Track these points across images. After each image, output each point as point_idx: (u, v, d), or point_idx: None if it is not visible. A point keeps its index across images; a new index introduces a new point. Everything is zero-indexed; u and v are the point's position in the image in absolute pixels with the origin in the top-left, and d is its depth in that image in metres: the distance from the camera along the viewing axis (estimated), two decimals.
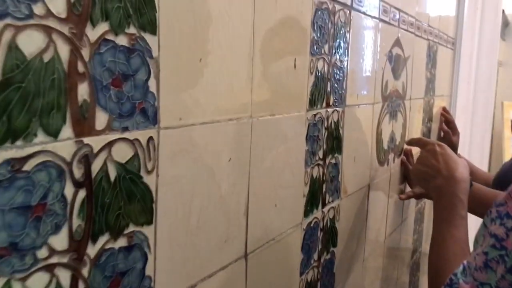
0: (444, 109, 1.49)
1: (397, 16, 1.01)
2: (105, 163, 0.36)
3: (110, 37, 0.36)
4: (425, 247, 1.57)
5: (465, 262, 0.54)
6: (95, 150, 0.35)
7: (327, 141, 0.76)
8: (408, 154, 1.18)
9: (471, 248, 0.57)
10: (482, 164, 3.10)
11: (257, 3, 0.53)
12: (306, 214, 0.71)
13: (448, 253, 0.66)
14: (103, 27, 0.35)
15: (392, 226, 1.16)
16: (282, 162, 0.62)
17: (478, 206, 0.81)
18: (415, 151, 1.16)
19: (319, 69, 0.70)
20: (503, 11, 2.94)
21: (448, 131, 1.38)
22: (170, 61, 0.41)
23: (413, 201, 1.36)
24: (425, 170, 0.81)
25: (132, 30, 0.37)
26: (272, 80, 0.58)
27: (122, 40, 0.37)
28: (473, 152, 2.90)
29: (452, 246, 0.66)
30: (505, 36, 3.58)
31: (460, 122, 2.78)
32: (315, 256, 0.76)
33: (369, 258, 1.02)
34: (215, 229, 0.50)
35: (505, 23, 3.52)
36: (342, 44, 0.76)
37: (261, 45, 0.55)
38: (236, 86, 0.51)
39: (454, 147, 1.33)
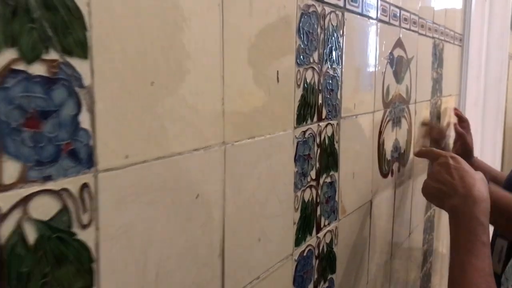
0: (456, 109, 1.40)
1: (398, 15, 0.93)
2: (19, 225, 0.29)
3: (20, 66, 0.28)
4: (436, 257, 1.49)
5: None
6: (3, 210, 0.28)
7: (320, 159, 0.68)
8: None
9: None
10: (495, 161, 3.00)
11: (226, 10, 0.45)
12: (298, 242, 0.64)
13: (470, 286, 0.58)
14: (8, 55, 0.28)
15: (399, 240, 1.08)
16: (265, 190, 0.55)
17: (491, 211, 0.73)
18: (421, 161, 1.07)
19: (308, 80, 0.62)
20: None
21: (463, 132, 1.29)
22: (109, 89, 0.34)
23: (421, 210, 1.27)
24: (439, 186, 0.72)
25: (52, 55, 0.30)
26: (249, 99, 0.50)
27: (38, 69, 0.29)
28: (485, 149, 2.80)
29: (474, 278, 0.58)
30: None
31: (471, 119, 2.68)
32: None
33: (374, 279, 0.94)
34: (180, 281, 0.42)
35: None
36: (334, 50, 0.68)
37: (233, 60, 0.47)
38: (202, 110, 0.43)
39: (470, 149, 1.24)
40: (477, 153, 2.78)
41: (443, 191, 0.71)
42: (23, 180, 0.29)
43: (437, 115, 1.33)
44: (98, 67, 0.33)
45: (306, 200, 0.65)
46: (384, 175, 0.94)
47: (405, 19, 0.97)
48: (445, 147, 1.22)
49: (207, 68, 0.44)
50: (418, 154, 0.86)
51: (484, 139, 2.87)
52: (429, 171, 0.77)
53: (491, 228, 0.75)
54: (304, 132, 0.63)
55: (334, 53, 0.68)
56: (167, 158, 0.40)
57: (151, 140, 0.38)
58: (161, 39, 0.38)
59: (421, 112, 1.16)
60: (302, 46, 0.60)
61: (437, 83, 1.29)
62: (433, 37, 1.20)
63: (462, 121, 1.34)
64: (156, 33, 0.37)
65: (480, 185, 0.69)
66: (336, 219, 0.75)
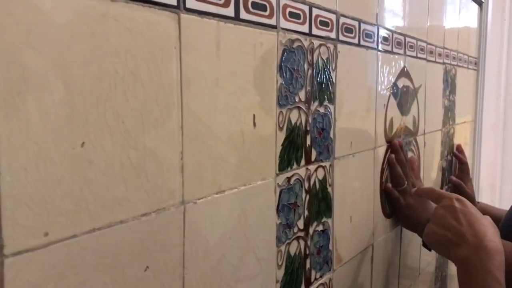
0: (458, 147, 1.30)
1: (403, 42, 0.86)
2: None
3: None
4: None
5: None
6: None
7: (309, 206, 0.61)
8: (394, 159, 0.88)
9: None
10: None
11: (185, 54, 0.40)
12: None
13: None
14: None
15: (407, 283, 1.00)
16: (239, 249, 0.49)
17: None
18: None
19: (293, 121, 0.56)
20: None
21: (460, 183, 1.20)
22: (22, 156, 0.28)
23: None
24: (444, 233, 0.64)
25: None
26: (216, 150, 0.44)
27: None
28: (506, 175, 2.68)
29: None
30: None
31: (489, 144, 2.59)
32: None
33: None
34: None
35: None
36: (325, 86, 0.62)
37: (194, 108, 0.41)
38: (152, 168, 0.37)
39: (471, 198, 1.14)
40: (496, 179, 2.67)
41: (449, 239, 0.63)
42: None
43: (449, 144, 1.25)
44: (4, 132, 0.27)
45: (292, 254, 0.58)
46: (388, 215, 0.87)
47: (411, 46, 0.91)
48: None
49: (160, 121, 0.38)
50: (417, 194, 0.78)
51: (505, 165, 2.75)
52: (432, 215, 0.69)
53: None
54: (289, 178, 0.57)
55: (325, 89, 0.62)
56: (104, 229, 0.34)
57: (81, 210, 0.32)
58: (94, 92, 0.32)
59: (431, 143, 1.08)
60: (284, 85, 0.54)
61: (449, 110, 1.21)
62: (444, 63, 1.13)
63: (461, 163, 1.26)
64: (88, 87, 0.32)
65: (492, 233, 0.61)
66: (330, 270, 0.68)
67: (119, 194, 0.35)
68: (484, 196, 2.67)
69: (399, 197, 0.85)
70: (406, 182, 0.85)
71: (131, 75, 0.35)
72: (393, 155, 0.85)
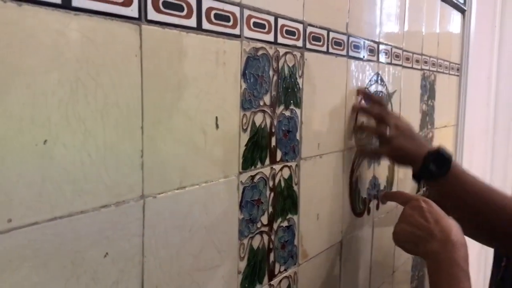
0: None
1: (376, 50, 0.90)
2: None
3: None
4: None
5: None
6: None
7: (274, 203, 0.65)
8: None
9: None
10: (504, 190, 2.91)
11: (146, 60, 0.44)
12: None
13: None
14: None
15: (379, 279, 1.04)
16: (199, 241, 0.53)
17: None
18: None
19: (257, 124, 0.60)
20: None
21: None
22: None
23: None
24: (413, 231, 0.69)
25: None
26: (178, 148, 0.48)
27: None
28: (496, 180, 2.72)
29: None
30: None
31: (480, 148, 2.63)
32: None
33: None
34: None
35: None
36: (291, 91, 0.66)
37: (155, 111, 0.45)
38: (112, 165, 0.42)
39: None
40: (486, 181, 2.70)
41: (418, 236, 0.68)
42: None
43: None
44: None
45: (255, 247, 0.62)
46: (358, 214, 0.91)
47: (386, 53, 0.95)
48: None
49: (120, 122, 0.42)
50: (385, 197, 0.82)
51: (494, 168, 2.79)
52: (401, 215, 0.74)
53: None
54: (253, 176, 0.61)
55: (291, 94, 0.66)
56: (65, 218, 0.38)
57: (43, 201, 0.36)
58: (56, 96, 0.36)
59: None
60: (248, 89, 0.58)
61: (427, 115, 1.25)
62: (421, 69, 1.17)
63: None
64: (50, 91, 0.36)
65: (456, 229, 0.67)
66: (295, 264, 0.72)
67: (79, 187, 0.39)
68: None
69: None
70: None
71: (92, 80, 0.39)
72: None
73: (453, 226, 0.67)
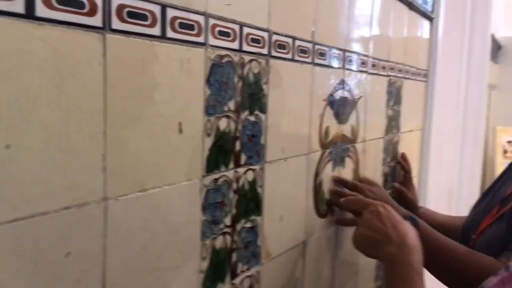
0: (402, 155, 1.38)
1: (341, 57, 0.94)
2: None
3: None
4: None
5: None
6: None
7: (237, 205, 0.68)
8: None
9: None
10: (472, 192, 3.01)
11: (111, 69, 0.45)
12: None
13: None
14: None
15: (343, 278, 1.07)
16: (161, 242, 0.55)
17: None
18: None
19: (221, 128, 0.62)
20: (492, 35, 2.87)
21: (403, 189, 1.29)
22: None
23: None
24: (372, 235, 0.73)
25: None
26: (140, 153, 0.50)
27: None
28: (464, 181, 2.81)
29: None
30: (498, 60, 3.50)
31: (449, 150, 2.71)
32: None
33: None
34: None
35: (498, 47, 3.45)
36: (256, 97, 0.69)
37: (118, 117, 0.47)
38: (75, 168, 0.43)
39: (413, 204, 1.24)
40: (455, 184, 2.78)
41: (377, 239, 0.72)
42: None
43: (393, 152, 1.33)
44: None
45: (217, 247, 0.65)
46: (322, 215, 0.94)
47: (350, 60, 0.98)
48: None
49: (83, 127, 0.44)
50: (346, 203, 0.86)
51: (463, 171, 2.88)
52: (360, 220, 0.78)
53: None
54: (217, 179, 0.63)
55: (256, 100, 0.69)
56: (26, 219, 0.39)
57: (3, 202, 0.38)
58: (19, 102, 0.38)
59: (372, 149, 1.16)
60: (213, 96, 0.60)
61: (393, 120, 1.29)
62: (388, 75, 1.21)
63: (404, 171, 1.34)
64: (13, 97, 0.37)
65: (412, 234, 0.71)
66: (258, 264, 0.74)
67: (41, 190, 0.40)
68: (442, 201, 2.80)
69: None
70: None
71: (56, 88, 0.41)
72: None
73: (409, 230, 0.72)
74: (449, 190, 2.77)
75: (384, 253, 0.70)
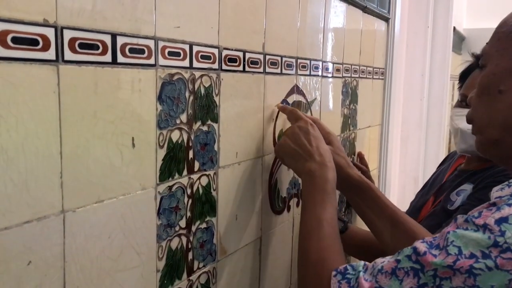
0: (359, 155, 1.47)
1: (294, 64, 1.00)
2: None
3: None
4: None
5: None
6: None
7: (192, 208, 0.74)
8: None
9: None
10: None
11: (64, 95, 0.51)
12: (164, 287, 0.69)
13: (327, 237, 0.70)
14: None
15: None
16: (118, 246, 0.60)
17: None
18: None
19: (174, 140, 0.68)
20: (454, 27, 2.98)
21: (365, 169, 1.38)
22: None
23: None
24: (295, 149, 0.83)
25: None
26: (95, 168, 0.56)
27: None
28: (428, 168, 2.93)
29: (327, 231, 0.71)
30: (462, 51, 3.62)
31: (414, 142, 2.82)
32: None
33: None
34: None
35: (461, 38, 3.57)
36: (208, 109, 0.75)
37: (73, 137, 0.52)
38: (33, 186, 0.49)
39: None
40: (419, 172, 2.89)
41: (299, 154, 0.82)
42: None
43: (350, 148, 1.41)
44: None
45: (173, 248, 0.71)
46: (278, 211, 1.01)
47: (303, 67, 1.05)
48: None
49: (40, 150, 0.49)
50: (281, 109, 0.94)
51: (427, 160, 3.00)
52: (288, 130, 0.87)
53: None
54: (171, 186, 0.69)
55: (208, 111, 0.75)
56: None
57: None
58: None
59: None
60: (165, 111, 0.66)
61: (349, 118, 1.37)
62: (343, 77, 1.28)
63: (362, 171, 1.37)
64: None
65: (331, 156, 0.82)
66: (214, 261, 0.81)
67: (3, 207, 0.46)
68: (408, 188, 2.91)
69: None
70: None
71: (13, 117, 0.46)
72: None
73: (329, 153, 0.83)
74: (415, 178, 2.89)
75: (304, 168, 0.80)
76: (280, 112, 0.96)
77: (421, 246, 0.54)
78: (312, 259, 0.69)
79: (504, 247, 0.49)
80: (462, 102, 1.19)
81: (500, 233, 0.50)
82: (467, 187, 1.12)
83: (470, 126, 1.13)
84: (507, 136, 0.64)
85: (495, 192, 0.63)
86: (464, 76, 1.22)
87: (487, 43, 0.68)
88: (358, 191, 0.89)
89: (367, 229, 0.96)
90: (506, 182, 0.62)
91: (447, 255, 0.51)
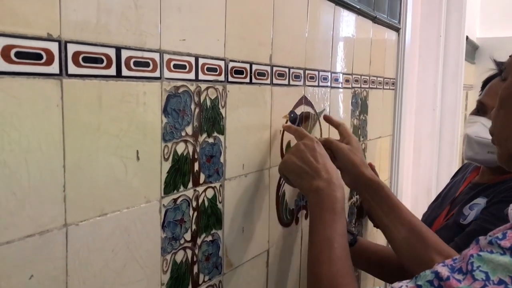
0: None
1: (302, 75, 1.00)
2: None
3: None
4: None
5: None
6: None
7: (197, 221, 0.73)
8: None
9: None
10: None
11: (67, 109, 0.51)
12: None
13: (338, 260, 0.69)
14: None
15: None
16: (122, 259, 0.60)
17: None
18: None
19: (179, 152, 0.68)
20: (467, 37, 2.95)
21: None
22: None
23: None
24: (302, 166, 0.81)
25: None
26: (99, 182, 0.56)
27: None
28: (441, 179, 2.89)
29: (339, 253, 0.70)
30: (475, 60, 3.59)
31: (426, 151, 2.79)
32: None
33: None
34: None
35: (474, 47, 3.54)
36: (214, 120, 0.74)
37: (77, 151, 0.52)
38: (36, 201, 0.49)
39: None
40: (432, 183, 2.85)
41: (305, 171, 0.80)
42: None
43: None
44: None
45: (178, 261, 0.70)
46: (286, 224, 1.00)
47: (312, 78, 1.04)
48: None
49: (44, 163, 0.49)
50: (286, 128, 0.93)
51: (440, 171, 2.96)
52: (293, 147, 0.85)
53: None
54: (176, 199, 0.68)
55: (214, 123, 0.74)
56: None
57: None
58: None
59: None
60: (170, 123, 0.65)
61: (359, 128, 1.36)
62: (352, 87, 1.27)
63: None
64: None
65: (338, 174, 0.81)
66: (220, 274, 0.80)
67: (6, 221, 0.46)
68: (420, 199, 2.87)
69: None
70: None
71: (16, 131, 0.46)
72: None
73: (336, 171, 0.81)
74: (427, 189, 2.86)
75: (311, 186, 0.78)
76: (287, 123, 0.96)
77: (443, 270, 0.51)
78: (325, 284, 0.68)
79: None
80: (477, 110, 1.18)
81: None
82: (481, 201, 1.10)
83: (478, 133, 1.11)
84: None
85: None
86: (485, 84, 1.20)
87: (510, 56, 0.67)
88: (369, 190, 0.90)
89: (377, 242, 0.95)
90: None
91: (473, 280, 0.48)
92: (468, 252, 0.51)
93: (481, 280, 0.48)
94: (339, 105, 1.20)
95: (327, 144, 0.97)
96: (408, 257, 0.84)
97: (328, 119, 1.06)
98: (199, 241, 0.74)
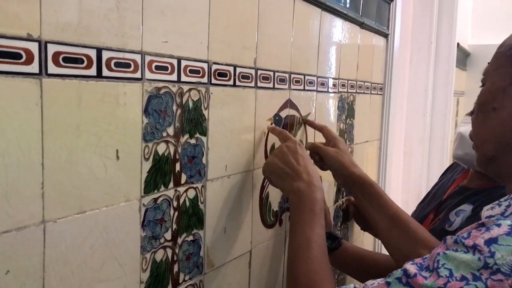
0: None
1: (287, 79, 1.01)
2: None
3: None
4: None
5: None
6: None
7: (178, 220, 0.74)
8: None
9: None
10: None
11: (47, 108, 0.52)
12: None
13: (316, 259, 0.70)
14: None
15: None
16: (100, 257, 0.61)
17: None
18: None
19: (160, 152, 0.69)
20: (458, 44, 2.98)
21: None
22: None
23: None
24: (283, 167, 0.83)
25: None
26: (76, 180, 0.57)
27: None
28: (431, 184, 2.91)
29: (317, 252, 0.71)
30: (467, 67, 3.62)
31: (417, 156, 2.81)
32: None
33: None
34: None
35: (466, 54, 3.57)
36: (196, 122, 0.75)
37: (55, 149, 0.53)
38: (13, 197, 0.49)
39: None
40: (422, 188, 2.88)
41: (287, 173, 0.82)
42: None
43: None
44: None
45: (158, 260, 0.71)
46: (269, 225, 1.01)
47: (297, 81, 1.06)
48: None
49: (22, 161, 0.50)
50: (271, 130, 0.95)
51: (430, 176, 2.99)
52: (276, 149, 0.87)
53: None
54: (156, 199, 0.69)
55: (196, 124, 0.76)
56: None
57: None
58: None
59: None
60: (151, 124, 0.67)
61: (346, 132, 1.37)
62: (339, 92, 1.29)
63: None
64: None
65: (318, 177, 0.83)
66: (201, 273, 0.81)
67: None
68: (411, 204, 2.90)
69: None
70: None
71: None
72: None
73: (316, 173, 0.83)
74: (418, 194, 2.87)
75: (292, 187, 0.80)
76: (272, 126, 0.97)
77: (411, 267, 0.54)
78: (302, 282, 0.69)
79: (494, 269, 0.49)
80: (472, 112, 1.19)
81: (490, 254, 0.49)
82: (467, 208, 1.11)
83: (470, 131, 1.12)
84: (502, 153, 0.64)
85: (486, 211, 0.63)
86: None
87: (488, 62, 0.69)
88: (360, 188, 0.93)
89: (363, 246, 0.97)
90: (497, 201, 0.62)
91: (438, 277, 0.51)
92: (436, 251, 0.53)
93: (445, 276, 0.50)
94: (325, 109, 1.22)
95: (315, 150, 0.99)
96: (397, 252, 0.86)
97: (310, 123, 1.09)
98: (179, 240, 0.75)
